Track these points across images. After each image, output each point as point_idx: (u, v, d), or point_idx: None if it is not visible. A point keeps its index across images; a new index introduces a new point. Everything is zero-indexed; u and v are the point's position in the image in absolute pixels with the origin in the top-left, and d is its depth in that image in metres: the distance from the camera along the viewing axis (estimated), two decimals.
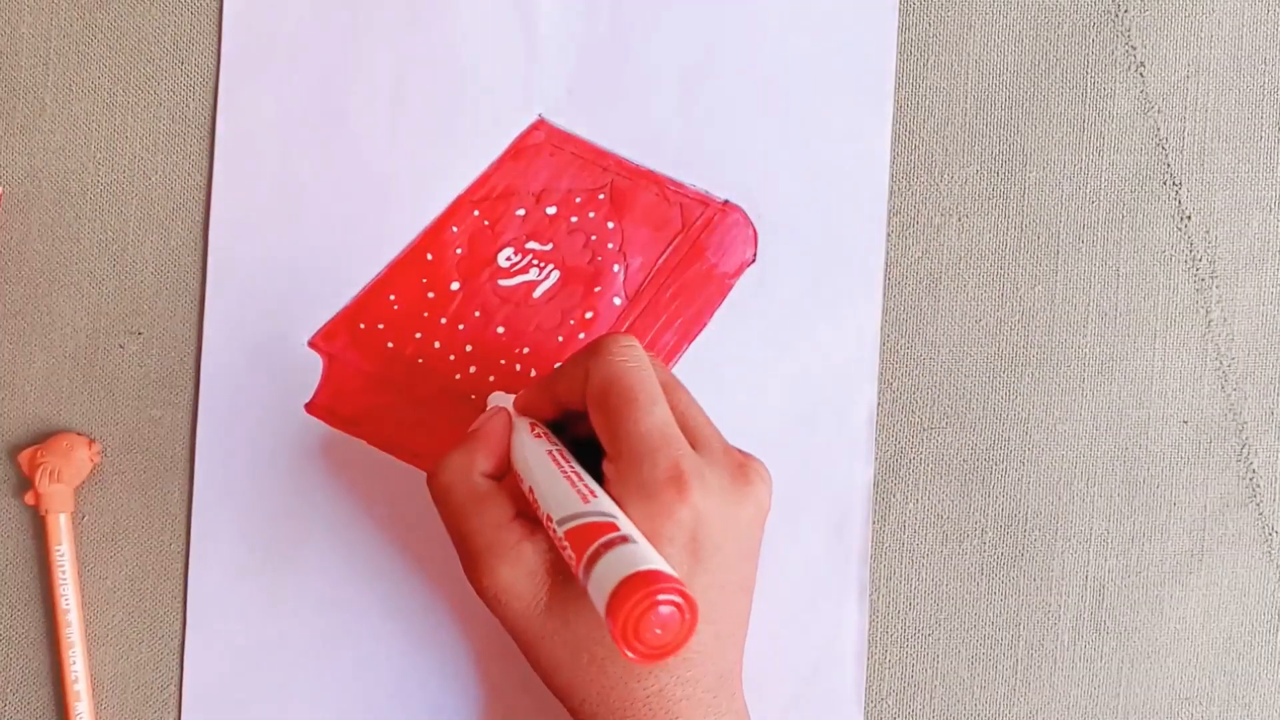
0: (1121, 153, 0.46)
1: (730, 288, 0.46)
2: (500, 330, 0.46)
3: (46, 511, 0.45)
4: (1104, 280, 0.46)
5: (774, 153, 0.46)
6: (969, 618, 0.45)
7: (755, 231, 0.46)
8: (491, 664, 0.45)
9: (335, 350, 0.46)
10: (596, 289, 0.46)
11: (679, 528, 0.37)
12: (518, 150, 0.46)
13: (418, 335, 0.46)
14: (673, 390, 0.40)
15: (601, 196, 0.46)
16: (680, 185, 0.46)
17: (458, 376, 0.45)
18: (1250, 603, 0.45)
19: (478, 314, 0.46)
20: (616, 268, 0.46)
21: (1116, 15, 0.46)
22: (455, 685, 0.45)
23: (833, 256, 0.46)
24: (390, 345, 0.46)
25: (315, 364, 0.46)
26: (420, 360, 0.45)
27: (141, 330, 0.46)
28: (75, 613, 0.45)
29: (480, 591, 0.39)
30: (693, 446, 0.38)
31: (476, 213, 0.46)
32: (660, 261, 0.46)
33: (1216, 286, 0.46)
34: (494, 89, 0.46)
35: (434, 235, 0.46)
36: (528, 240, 0.46)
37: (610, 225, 0.46)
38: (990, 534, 0.45)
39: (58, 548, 0.45)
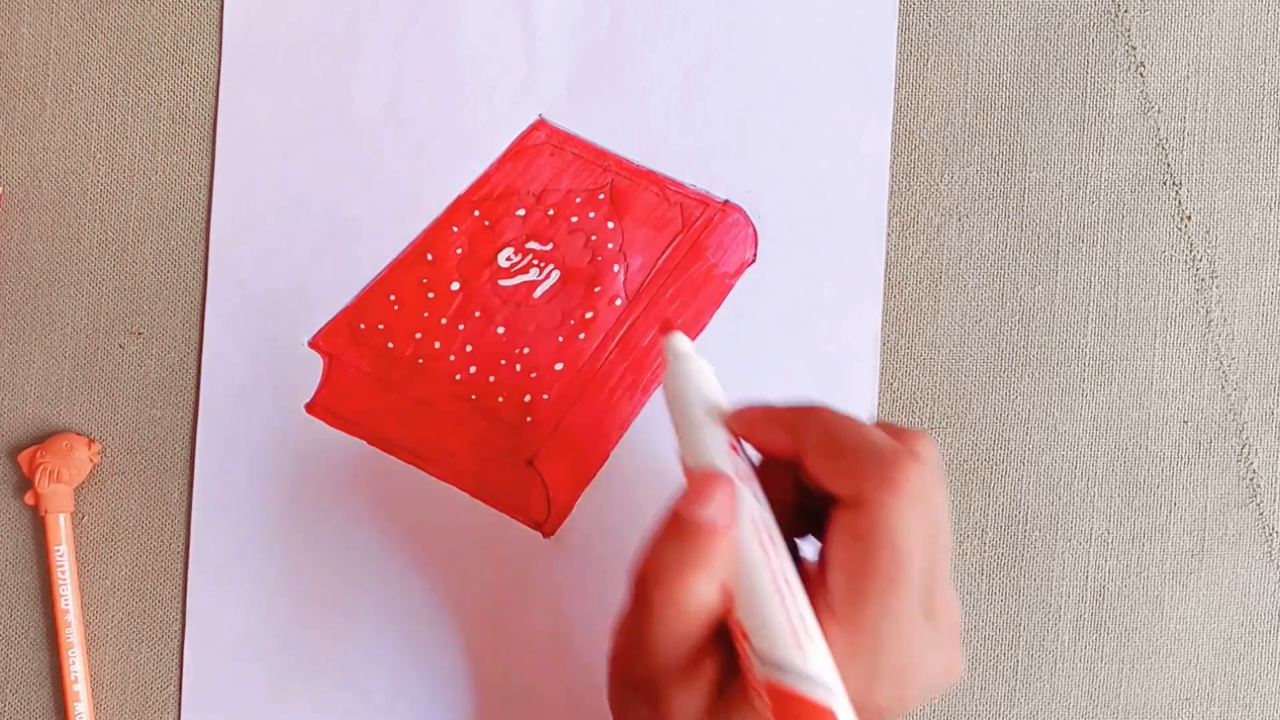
0: (1121, 153, 0.46)
1: (730, 288, 0.46)
2: (500, 330, 0.45)
3: (46, 511, 0.45)
4: (1104, 280, 0.46)
5: (774, 153, 0.46)
6: (969, 618, 0.45)
7: (755, 231, 0.46)
8: (490, 665, 0.45)
9: (335, 350, 0.46)
10: (596, 289, 0.46)
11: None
12: (518, 150, 0.46)
13: (418, 335, 0.46)
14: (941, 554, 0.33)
15: (601, 196, 0.46)
16: (680, 185, 0.46)
17: (458, 377, 0.45)
18: (1250, 603, 0.45)
19: (478, 314, 0.46)
20: (616, 268, 0.46)
21: (1116, 15, 0.46)
22: (454, 685, 0.45)
23: (833, 256, 0.46)
24: (390, 345, 0.46)
25: (315, 364, 0.46)
26: (420, 360, 0.45)
27: (141, 330, 0.46)
28: (75, 613, 0.45)
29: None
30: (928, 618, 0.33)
31: (476, 213, 0.46)
32: (660, 261, 0.46)
33: (1216, 286, 0.46)
34: (494, 89, 0.46)
35: (434, 235, 0.46)
36: (528, 240, 0.46)
37: (610, 225, 0.46)
38: (990, 534, 0.45)
39: (57, 548, 0.45)
